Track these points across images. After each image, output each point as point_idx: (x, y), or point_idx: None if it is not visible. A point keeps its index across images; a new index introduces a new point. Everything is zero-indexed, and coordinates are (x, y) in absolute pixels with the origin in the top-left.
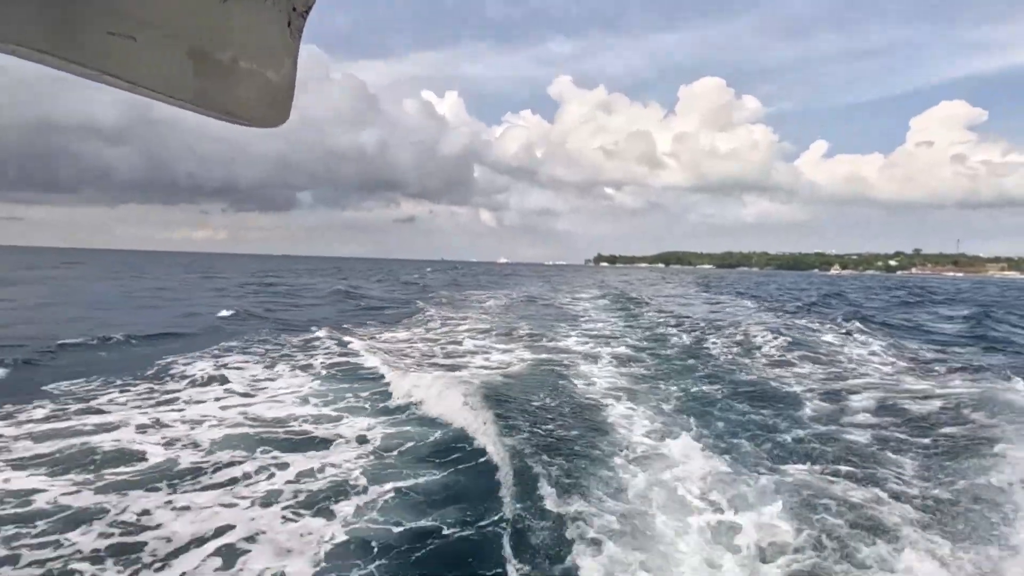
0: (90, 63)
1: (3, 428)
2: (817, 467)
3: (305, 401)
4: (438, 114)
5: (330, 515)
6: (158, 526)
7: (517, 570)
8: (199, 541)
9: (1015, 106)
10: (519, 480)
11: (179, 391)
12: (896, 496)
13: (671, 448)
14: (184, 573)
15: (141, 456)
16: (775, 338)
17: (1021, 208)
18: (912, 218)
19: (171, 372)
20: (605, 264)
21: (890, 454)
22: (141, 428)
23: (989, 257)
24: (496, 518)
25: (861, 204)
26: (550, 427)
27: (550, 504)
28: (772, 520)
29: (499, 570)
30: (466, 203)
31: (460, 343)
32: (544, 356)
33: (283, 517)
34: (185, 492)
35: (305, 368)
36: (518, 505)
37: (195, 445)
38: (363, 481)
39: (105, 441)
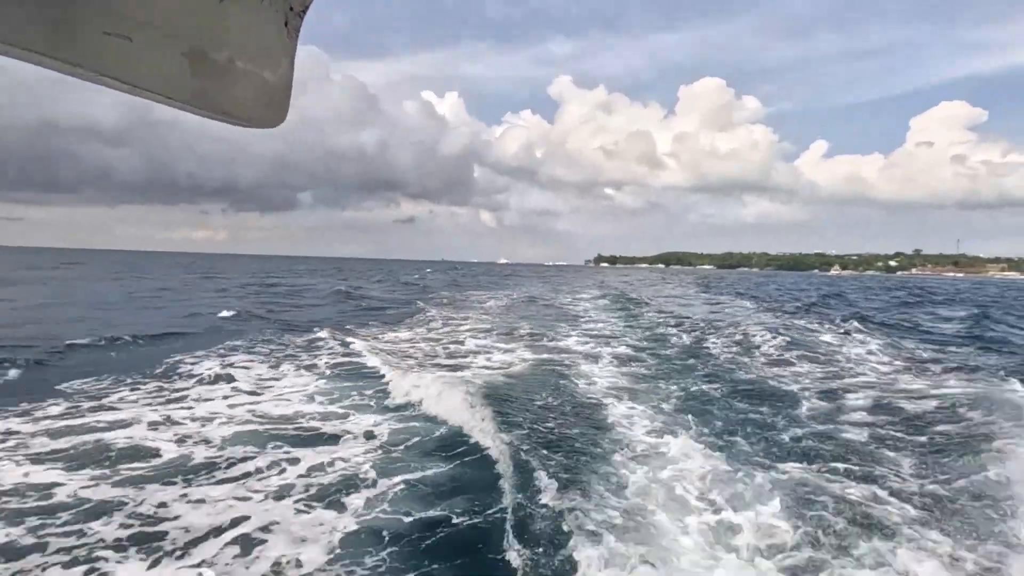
0: (86, 64)
1: (21, 425)
2: (815, 465)
3: (311, 399)
4: (438, 114)
5: (341, 507)
6: (176, 517)
7: (521, 558)
8: (217, 531)
9: (1015, 106)
10: (522, 474)
11: (188, 389)
12: (893, 493)
13: (671, 446)
14: (204, 560)
15: (155, 452)
16: (774, 338)
17: (1021, 208)
18: (912, 218)
19: (179, 371)
20: (605, 264)
21: (887, 452)
22: (153, 425)
23: (989, 257)
24: (500, 509)
25: (861, 204)
26: (551, 425)
27: (553, 497)
28: (770, 516)
29: (504, 558)
30: (466, 203)
31: (462, 343)
32: (545, 356)
33: (296, 509)
34: (200, 486)
35: (310, 368)
36: (521, 497)
37: (207, 441)
38: (372, 474)
39: (119, 437)
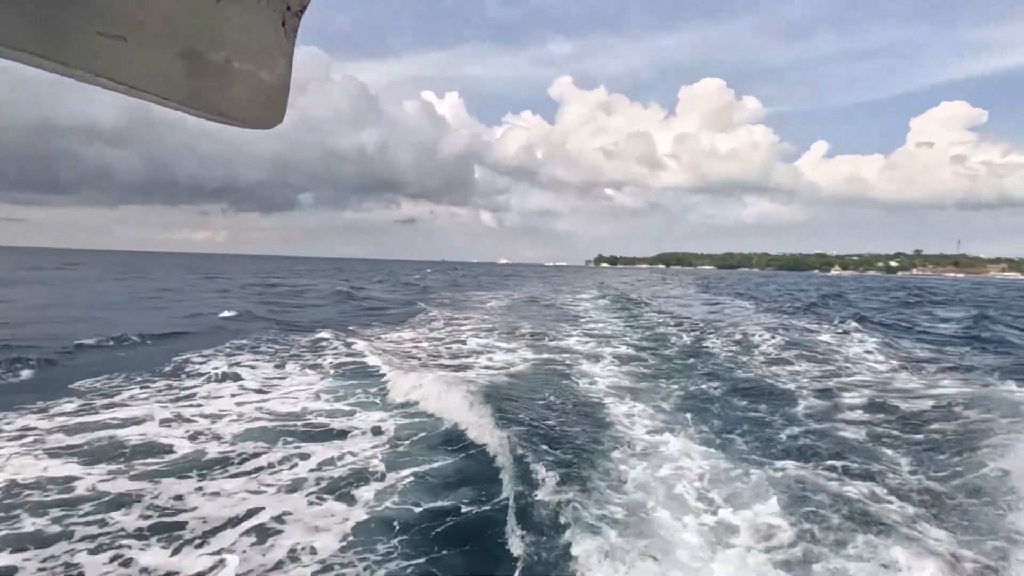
0: (81, 65)
1: (37, 422)
2: (812, 462)
3: (317, 397)
4: (438, 115)
5: (352, 499)
6: (194, 508)
7: (524, 545)
8: (234, 521)
9: (1015, 106)
10: (525, 469)
11: (196, 387)
12: (890, 490)
13: (670, 444)
14: (224, 548)
15: (168, 448)
16: (773, 338)
17: (1021, 208)
18: (912, 219)
19: (186, 370)
20: (605, 265)
21: (884, 450)
22: (165, 422)
23: (990, 258)
24: (504, 501)
25: (861, 205)
26: (553, 422)
27: (555, 491)
28: (768, 513)
29: (508, 547)
30: (466, 204)
31: (464, 343)
32: (546, 355)
33: (309, 500)
34: (214, 479)
35: (314, 367)
36: (525, 490)
37: (218, 437)
38: (381, 468)
39: (133, 434)
